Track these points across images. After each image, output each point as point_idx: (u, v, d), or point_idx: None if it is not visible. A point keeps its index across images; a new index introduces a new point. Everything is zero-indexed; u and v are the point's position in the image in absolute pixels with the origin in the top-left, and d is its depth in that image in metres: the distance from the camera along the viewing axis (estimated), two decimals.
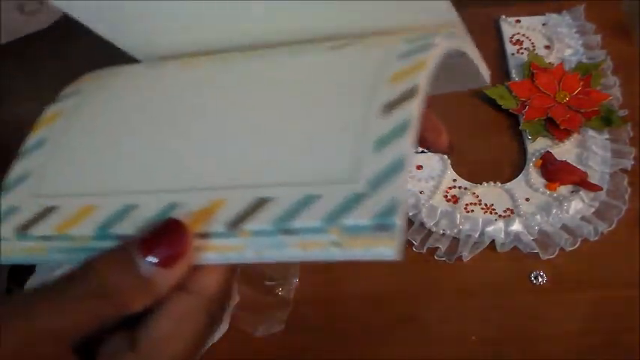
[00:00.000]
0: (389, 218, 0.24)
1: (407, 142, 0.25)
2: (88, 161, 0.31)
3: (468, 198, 0.54)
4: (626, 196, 0.53)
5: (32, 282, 0.50)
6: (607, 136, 0.56)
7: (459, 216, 0.53)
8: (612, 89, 0.59)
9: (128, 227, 0.27)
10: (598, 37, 0.62)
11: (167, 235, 0.26)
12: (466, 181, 0.55)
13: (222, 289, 0.27)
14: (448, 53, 0.29)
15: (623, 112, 0.57)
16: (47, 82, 0.50)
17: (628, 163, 0.54)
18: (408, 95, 0.26)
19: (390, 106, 0.26)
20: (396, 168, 0.25)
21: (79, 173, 0.31)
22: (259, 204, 0.26)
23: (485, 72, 0.34)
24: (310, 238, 0.25)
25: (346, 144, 0.26)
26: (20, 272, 0.52)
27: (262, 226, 0.26)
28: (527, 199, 0.54)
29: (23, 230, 0.30)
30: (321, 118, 0.28)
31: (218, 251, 0.27)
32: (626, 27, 0.64)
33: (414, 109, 0.26)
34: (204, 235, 0.26)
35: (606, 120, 0.57)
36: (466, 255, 0.52)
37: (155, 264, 0.25)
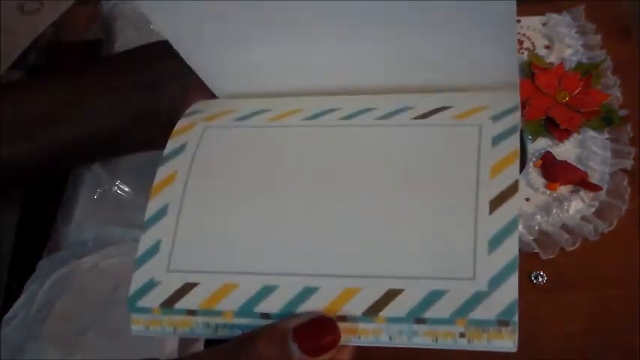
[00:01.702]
0: (510, 316, 0.28)
1: (515, 244, 0.29)
2: (219, 236, 0.33)
3: None
4: (626, 196, 0.53)
5: (32, 282, 0.50)
6: (607, 136, 0.56)
7: None
8: (612, 89, 0.59)
9: (269, 306, 0.31)
10: (598, 37, 0.62)
11: (320, 329, 0.29)
12: None
13: None
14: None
15: (623, 112, 0.57)
16: None
17: (628, 163, 0.54)
18: (508, 193, 0.30)
19: (495, 204, 0.30)
20: (509, 269, 0.29)
21: (213, 249, 0.33)
22: (392, 294, 0.29)
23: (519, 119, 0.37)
24: (440, 329, 0.29)
25: (464, 241, 0.29)
26: (20, 272, 0.52)
27: (397, 314, 0.29)
28: (527, 199, 0.54)
29: (169, 304, 0.32)
30: (435, 209, 0.31)
31: (355, 334, 0.30)
32: (626, 27, 0.64)
33: (515, 208, 0.29)
34: (342, 318, 0.30)
35: (606, 120, 0.57)
36: None
37: (305, 351, 0.29)
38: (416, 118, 0.34)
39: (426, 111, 0.34)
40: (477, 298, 0.28)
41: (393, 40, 0.32)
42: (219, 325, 0.31)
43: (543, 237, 0.52)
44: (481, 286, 0.28)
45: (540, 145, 0.57)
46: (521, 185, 0.55)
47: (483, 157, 0.31)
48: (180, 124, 0.37)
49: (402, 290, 0.29)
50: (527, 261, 0.52)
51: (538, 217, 0.52)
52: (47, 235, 0.55)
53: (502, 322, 0.28)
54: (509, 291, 0.28)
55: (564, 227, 0.52)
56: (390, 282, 0.30)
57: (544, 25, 0.65)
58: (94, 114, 0.48)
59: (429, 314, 0.29)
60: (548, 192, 0.54)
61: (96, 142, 0.49)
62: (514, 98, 0.33)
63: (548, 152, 0.56)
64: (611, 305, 0.49)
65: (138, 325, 0.32)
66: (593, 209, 0.53)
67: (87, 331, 0.46)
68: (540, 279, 0.51)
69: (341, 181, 0.33)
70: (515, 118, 0.32)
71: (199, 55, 0.36)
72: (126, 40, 0.63)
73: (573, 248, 0.52)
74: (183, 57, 0.36)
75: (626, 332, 0.48)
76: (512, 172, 0.30)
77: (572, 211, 0.53)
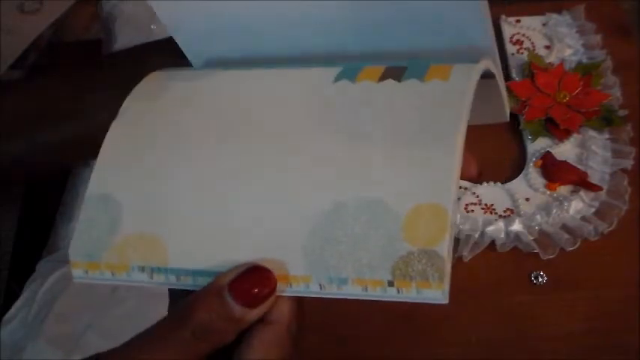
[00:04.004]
0: (438, 257, 0.28)
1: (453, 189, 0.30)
2: (159, 195, 0.33)
3: (468, 198, 0.54)
4: (626, 196, 0.53)
5: (32, 282, 0.50)
6: (607, 136, 0.56)
7: (458, 216, 0.52)
8: (612, 89, 0.59)
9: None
10: (598, 37, 0.62)
11: (255, 280, 0.29)
12: (466, 181, 0.55)
13: (295, 315, 0.31)
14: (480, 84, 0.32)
15: (623, 112, 0.57)
16: None
17: (628, 163, 0.54)
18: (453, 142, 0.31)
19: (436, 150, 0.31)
20: (442, 229, 0.29)
21: (156, 207, 0.33)
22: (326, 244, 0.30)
23: (507, 108, 0.36)
24: (367, 276, 0.28)
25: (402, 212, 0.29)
26: (20, 272, 0.52)
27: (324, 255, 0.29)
28: (527, 199, 0.54)
29: (106, 239, 0.32)
30: (388, 175, 0.31)
31: (286, 282, 0.30)
32: (626, 27, 0.64)
33: (459, 150, 0.31)
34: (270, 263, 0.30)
35: (606, 120, 0.56)
36: (466, 255, 0.52)
37: (243, 304, 0.28)
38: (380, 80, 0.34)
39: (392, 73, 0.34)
40: (408, 253, 0.28)
41: (362, 6, 0.32)
42: (154, 269, 0.31)
43: (543, 237, 0.52)
44: (413, 248, 0.29)
45: (540, 145, 0.57)
46: (522, 185, 0.55)
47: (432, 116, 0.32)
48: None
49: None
50: (527, 261, 0.52)
51: (538, 217, 0.52)
52: (47, 235, 0.55)
53: (430, 259, 0.28)
54: (442, 248, 0.28)
55: (564, 227, 0.52)
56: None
57: (544, 25, 0.65)
58: (92, 111, 0.48)
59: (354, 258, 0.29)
60: (548, 192, 0.54)
61: (94, 139, 0.49)
62: (483, 63, 0.33)
63: (548, 152, 0.56)
64: (611, 305, 0.49)
65: (77, 269, 0.32)
66: (593, 209, 0.53)
67: (86, 331, 0.46)
68: (540, 279, 0.51)
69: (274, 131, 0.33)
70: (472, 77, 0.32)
71: (177, 19, 0.37)
72: (125, 39, 0.63)
73: (573, 248, 0.52)
74: (163, 21, 0.37)
75: (626, 332, 0.48)
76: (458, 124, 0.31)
77: (572, 211, 0.53)
